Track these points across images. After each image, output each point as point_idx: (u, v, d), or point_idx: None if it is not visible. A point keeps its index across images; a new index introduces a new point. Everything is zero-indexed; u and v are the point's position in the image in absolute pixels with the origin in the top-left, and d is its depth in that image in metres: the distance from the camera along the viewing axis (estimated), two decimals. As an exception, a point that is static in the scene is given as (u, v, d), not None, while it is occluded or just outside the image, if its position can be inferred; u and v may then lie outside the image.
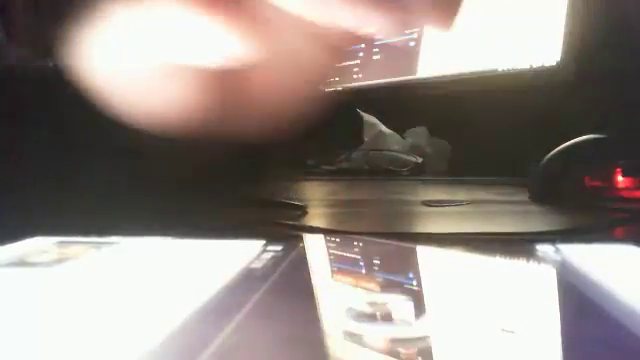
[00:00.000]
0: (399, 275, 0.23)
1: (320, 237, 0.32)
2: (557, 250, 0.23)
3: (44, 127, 0.34)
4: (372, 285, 0.22)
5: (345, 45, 0.28)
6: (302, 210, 0.44)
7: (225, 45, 0.21)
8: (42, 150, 0.34)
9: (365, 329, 0.15)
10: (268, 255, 0.22)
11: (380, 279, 0.23)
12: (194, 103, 0.27)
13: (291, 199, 0.49)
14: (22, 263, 0.21)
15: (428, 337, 0.14)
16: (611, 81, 0.74)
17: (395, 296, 0.20)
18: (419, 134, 0.93)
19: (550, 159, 0.50)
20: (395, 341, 0.14)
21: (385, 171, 0.86)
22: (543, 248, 0.24)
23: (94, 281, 0.19)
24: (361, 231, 0.35)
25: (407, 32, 1.04)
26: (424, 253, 0.29)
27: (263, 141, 0.30)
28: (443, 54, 0.98)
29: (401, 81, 1.03)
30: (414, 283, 0.22)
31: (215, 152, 0.34)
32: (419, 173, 0.85)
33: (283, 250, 0.23)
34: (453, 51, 0.96)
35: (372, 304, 0.18)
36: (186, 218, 0.34)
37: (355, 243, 0.31)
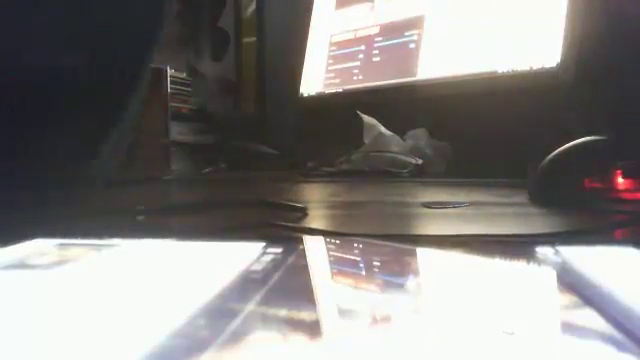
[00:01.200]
0: (399, 277, 0.23)
1: (320, 239, 0.32)
2: (557, 252, 0.23)
3: None
4: (372, 287, 0.22)
5: None
6: (303, 212, 0.44)
7: None
8: None
9: (364, 330, 0.15)
10: (268, 257, 0.22)
11: (380, 281, 0.23)
12: None
13: (292, 201, 0.49)
14: (22, 265, 0.21)
15: (428, 339, 0.14)
16: (611, 83, 0.74)
17: (395, 298, 0.20)
18: (419, 136, 0.93)
19: (550, 161, 0.50)
20: (395, 342, 0.14)
21: (385, 173, 0.86)
22: (543, 250, 0.24)
23: (94, 283, 0.19)
24: (361, 233, 0.35)
25: (407, 34, 1.05)
26: (424, 255, 0.29)
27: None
28: (443, 56, 0.98)
29: (401, 83, 1.03)
30: (414, 285, 0.22)
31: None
32: (419, 175, 0.85)
33: (283, 252, 0.23)
34: (453, 53, 0.96)
35: (372, 306, 0.18)
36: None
37: (355, 245, 0.31)
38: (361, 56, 1.13)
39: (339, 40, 1.19)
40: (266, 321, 0.15)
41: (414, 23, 1.04)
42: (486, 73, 0.90)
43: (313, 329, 0.15)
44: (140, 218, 0.40)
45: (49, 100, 0.35)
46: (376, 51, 1.11)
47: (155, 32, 0.39)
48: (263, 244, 0.24)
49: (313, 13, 1.25)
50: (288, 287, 0.19)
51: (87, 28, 0.34)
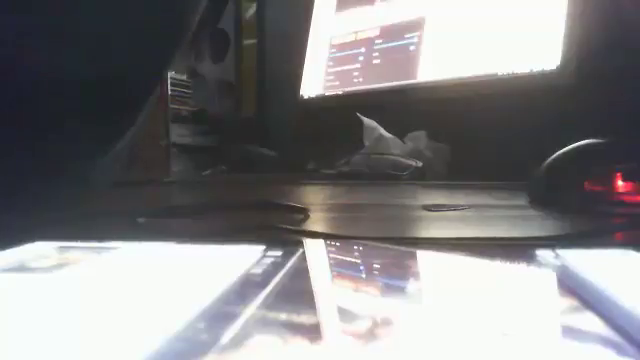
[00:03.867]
0: (399, 280, 0.23)
1: (320, 242, 0.32)
2: (557, 255, 0.23)
3: None
4: (373, 290, 0.22)
5: None
6: (305, 213, 0.44)
7: None
8: None
9: (365, 333, 0.15)
10: (268, 260, 0.22)
11: (380, 284, 0.23)
12: None
13: (294, 202, 0.49)
14: (22, 268, 0.21)
15: (429, 341, 0.14)
16: (611, 85, 0.74)
17: (395, 301, 0.20)
18: (419, 138, 0.93)
19: (550, 163, 0.50)
20: (396, 346, 0.14)
21: (385, 175, 0.86)
22: (543, 253, 0.24)
23: (94, 286, 0.19)
24: (361, 236, 0.35)
25: (408, 36, 1.05)
26: (424, 257, 0.29)
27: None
28: (443, 58, 0.98)
29: (401, 85, 1.03)
30: (414, 288, 0.22)
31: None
32: (419, 177, 0.85)
33: (283, 255, 0.23)
34: (453, 55, 0.96)
35: (372, 309, 0.18)
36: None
37: (355, 248, 0.31)
38: (361, 58, 1.13)
39: (339, 42, 1.19)
40: (266, 324, 0.15)
41: (414, 25, 1.04)
42: (486, 75, 0.90)
43: (313, 333, 0.15)
44: (141, 220, 0.40)
45: (51, 101, 0.35)
46: (376, 53, 1.11)
47: (179, 40, 0.39)
48: (263, 247, 0.24)
49: (313, 15, 1.25)
50: (288, 290, 0.19)
51: (103, 30, 0.34)
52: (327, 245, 0.31)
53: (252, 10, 1.42)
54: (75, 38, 0.33)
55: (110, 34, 0.34)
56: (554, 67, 0.81)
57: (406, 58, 1.04)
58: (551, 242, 0.30)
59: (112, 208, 0.47)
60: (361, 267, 0.27)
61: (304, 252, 0.26)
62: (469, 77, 0.92)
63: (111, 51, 0.35)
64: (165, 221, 0.44)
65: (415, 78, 1.01)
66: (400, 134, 0.95)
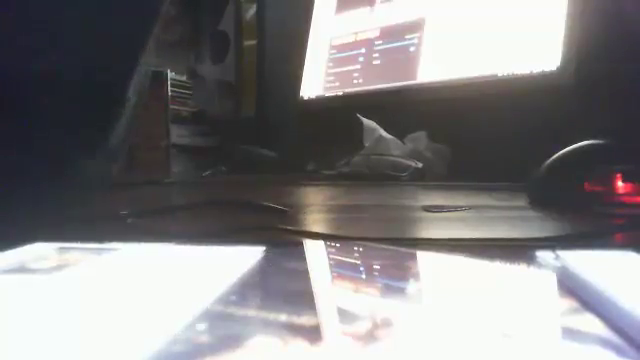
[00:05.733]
0: (399, 281, 0.23)
1: (320, 243, 0.32)
2: (557, 256, 0.23)
3: None
4: (372, 291, 0.22)
5: None
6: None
7: None
8: None
9: (365, 335, 0.15)
10: (268, 261, 0.22)
11: (380, 285, 0.23)
12: None
13: (292, 204, 0.49)
14: (22, 269, 0.21)
15: (428, 342, 0.14)
16: (611, 85, 0.74)
17: (395, 302, 0.20)
18: (419, 139, 0.93)
19: (550, 164, 0.50)
20: (395, 347, 0.14)
21: (385, 176, 0.86)
22: (543, 254, 0.24)
23: (94, 287, 0.19)
24: (361, 236, 0.35)
25: (408, 37, 1.05)
26: (424, 258, 0.29)
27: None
28: (444, 59, 0.98)
29: (401, 86, 1.03)
30: (414, 289, 0.22)
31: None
32: (419, 178, 0.85)
33: (283, 256, 0.23)
34: (454, 56, 0.96)
35: (372, 310, 0.18)
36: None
37: (355, 249, 0.31)
38: (361, 59, 1.13)
39: (339, 43, 1.19)
40: (266, 325, 0.15)
41: (415, 26, 1.04)
42: (486, 76, 0.90)
43: (314, 333, 0.15)
44: (130, 221, 0.40)
45: (46, 103, 0.35)
46: (376, 54, 1.11)
47: (149, 31, 0.39)
48: (263, 248, 0.24)
49: (313, 16, 1.25)
50: (288, 291, 0.19)
51: (83, 28, 0.35)
52: (327, 246, 0.31)
53: (252, 11, 1.42)
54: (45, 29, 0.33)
55: (86, 29, 0.35)
56: (554, 68, 0.81)
57: (406, 59, 1.04)
58: (551, 243, 0.30)
59: (100, 209, 0.47)
60: (361, 268, 0.27)
61: (304, 253, 0.26)
62: (469, 78, 0.92)
63: (87, 47, 0.35)
64: (160, 222, 0.44)
65: (415, 79, 1.01)
66: (400, 135, 0.95)
